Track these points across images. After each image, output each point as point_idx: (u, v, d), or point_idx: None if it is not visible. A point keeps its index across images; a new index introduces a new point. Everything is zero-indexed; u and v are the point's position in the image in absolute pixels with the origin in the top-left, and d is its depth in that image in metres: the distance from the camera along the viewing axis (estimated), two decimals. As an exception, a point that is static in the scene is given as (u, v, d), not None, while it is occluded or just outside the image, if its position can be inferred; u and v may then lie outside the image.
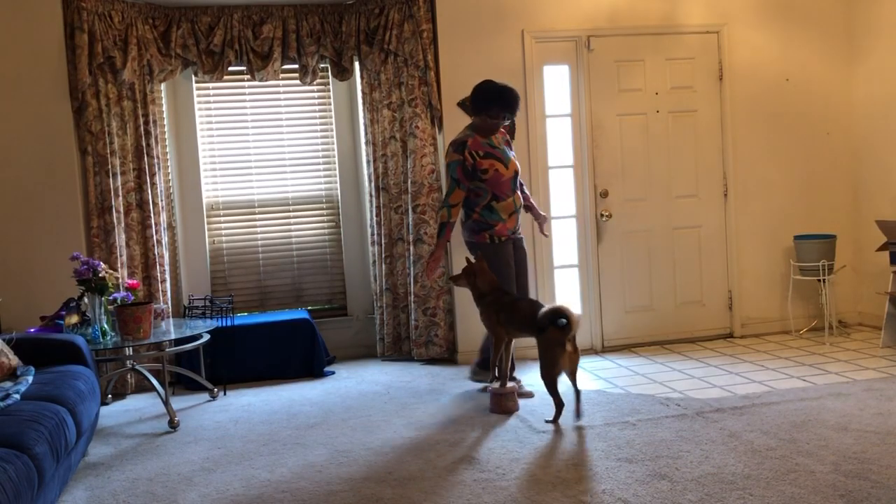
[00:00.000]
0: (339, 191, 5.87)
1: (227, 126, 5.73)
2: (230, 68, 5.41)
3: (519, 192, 4.54)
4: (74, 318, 4.45)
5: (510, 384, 4.28)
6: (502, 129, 4.53)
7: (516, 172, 4.47)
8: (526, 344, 5.41)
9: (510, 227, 4.46)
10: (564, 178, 5.55)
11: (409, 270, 5.49)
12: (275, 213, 5.82)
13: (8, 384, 3.35)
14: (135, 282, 4.76)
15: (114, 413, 4.67)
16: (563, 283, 5.54)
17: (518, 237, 4.57)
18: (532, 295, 4.90)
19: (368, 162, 5.60)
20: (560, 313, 3.81)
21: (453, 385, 4.82)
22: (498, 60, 5.36)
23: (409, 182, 5.41)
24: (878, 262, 5.64)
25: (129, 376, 5.07)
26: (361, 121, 5.64)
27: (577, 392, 3.97)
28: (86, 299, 4.46)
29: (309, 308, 5.86)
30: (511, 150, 4.55)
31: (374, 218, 5.60)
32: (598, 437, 3.70)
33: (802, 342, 5.50)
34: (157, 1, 5.18)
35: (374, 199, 5.59)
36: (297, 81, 5.59)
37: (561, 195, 5.54)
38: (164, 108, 5.49)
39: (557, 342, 3.83)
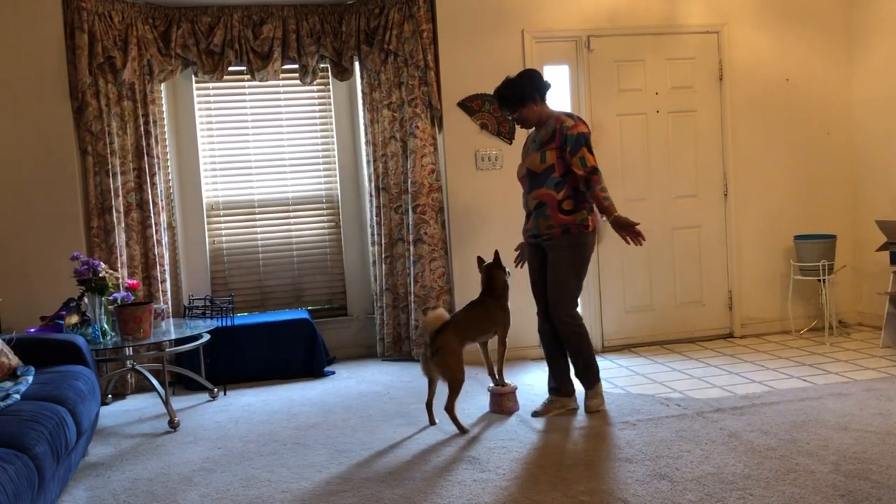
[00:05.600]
0: (339, 191, 5.87)
1: (227, 126, 5.73)
2: (230, 68, 5.41)
3: (537, 192, 4.05)
4: (74, 318, 4.45)
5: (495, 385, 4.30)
6: (559, 118, 4.04)
7: (529, 170, 4.09)
8: (524, 344, 5.42)
9: (528, 227, 4.18)
10: (564, 178, 5.55)
11: (409, 270, 5.49)
12: (275, 213, 5.82)
13: (8, 384, 3.35)
14: (135, 282, 4.76)
15: (114, 413, 4.67)
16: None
17: (542, 241, 4.11)
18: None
19: (368, 162, 5.60)
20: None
21: (453, 385, 4.82)
22: (498, 60, 5.36)
23: (409, 182, 5.42)
24: (878, 262, 5.64)
25: (129, 376, 5.07)
26: (361, 121, 5.64)
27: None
28: (86, 299, 4.46)
29: (309, 308, 5.86)
30: (547, 146, 4.01)
31: (374, 218, 5.60)
32: (598, 437, 3.70)
33: (802, 342, 5.50)
34: (157, 1, 5.18)
35: (374, 199, 5.59)
36: (297, 81, 5.59)
37: (561, 195, 5.54)
38: (164, 108, 5.49)
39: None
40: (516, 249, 4.41)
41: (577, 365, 4.16)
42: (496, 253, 4.31)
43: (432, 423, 4.06)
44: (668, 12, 5.57)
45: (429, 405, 4.09)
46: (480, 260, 4.37)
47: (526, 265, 4.34)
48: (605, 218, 3.92)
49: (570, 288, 4.05)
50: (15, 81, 4.87)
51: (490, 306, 4.21)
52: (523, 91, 4.05)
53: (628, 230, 3.82)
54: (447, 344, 3.93)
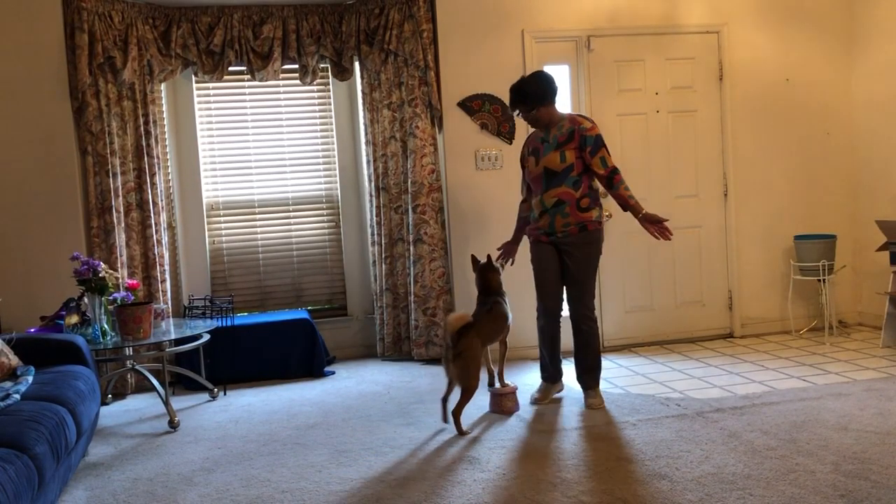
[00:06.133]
0: (339, 191, 5.87)
1: (227, 126, 5.73)
2: (230, 68, 5.41)
3: (555, 190, 4.12)
4: (74, 318, 4.45)
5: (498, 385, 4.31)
6: (575, 119, 4.16)
7: (548, 169, 4.13)
8: (524, 344, 5.42)
9: (540, 225, 4.22)
10: (564, 178, 5.55)
11: (409, 270, 5.49)
12: (275, 213, 5.82)
13: (8, 384, 3.35)
14: (135, 282, 4.76)
15: (114, 413, 4.67)
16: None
17: (557, 238, 4.19)
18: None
19: (368, 162, 5.60)
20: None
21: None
22: (498, 60, 5.36)
23: (409, 182, 5.42)
24: (878, 262, 5.64)
25: (129, 376, 5.07)
26: (361, 121, 5.65)
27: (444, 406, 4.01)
28: (86, 299, 4.46)
29: (309, 308, 5.86)
30: (566, 146, 4.11)
31: (374, 218, 5.60)
32: (598, 437, 3.70)
33: (802, 342, 5.50)
34: (157, 1, 5.18)
35: (374, 199, 5.59)
36: (297, 81, 5.59)
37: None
38: (164, 108, 5.49)
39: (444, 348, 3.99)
40: (499, 249, 4.49)
41: (588, 362, 4.25)
42: (489, 257, 4.36)
43: (445, 419, 3.97)
44: (668, 12, 5.57)
45: (444, 400, 4.01)
46: (475, 260, 4.39)
47: (510, 263, 4.51)
48: (606, 216, 3.96)
49: (591, 284, 4.23)
50: (15, 81, 4.87)
51: (503, 307, 4.24)
52: (545, 91, 4.15)
53: (658, 226, 3.99)
54: (472, 348, 3.89)
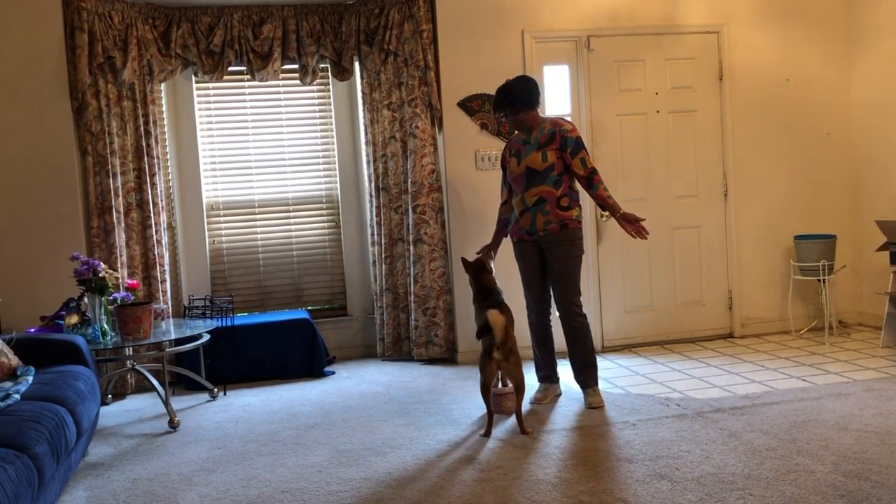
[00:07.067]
0: (339, 191, 5.87)
1: (227, 126, 5.73)
2: (230, 68, 5.41)
3: (536, 189, 4.18)
4: (74, 318, 4.45)
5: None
6: (556, 122, 4.24)
7: (529, 168, 4.19)
8: (523, 344, 5.42)
9: (521, 225, 4.28)
10: (564, 178, 5.55)
11: (409, 270, 5.49)
12: (275, 213, 5.82)
13: (8, 384, 3.35)
14: (135, 282, 4.76)
15: (114, 413, 4.67)
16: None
17: (539, 237, 4.25)
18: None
19: (368, 162, 5.60)
20: (487, 325, 3.80)
21: (453, 385, 4.82)
22: (498, 60, 5.36)
23: (409, 182, 5.42)
24: (878, 262, 5.64)
25: (129, 376, 5.07)
26: (361, 121, 5.65)
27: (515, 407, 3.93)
28: (86, 299, 4.46)
29: (309, 308, 5.86)
30: (547, 146, 4.18)
31: (374, 218, 5.60)
32: (598, 437, 3.70)
33: (802, 342, 5.50)
34: (157, 1, 5.18)
35: (374, 199, 5.59)
36: (297, 81, 5.59)
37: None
38: (164, 108, 5.49)
39: (485, 350, 3.87)
40: (478, 253, 4.49)
41: (582, 359, 4.28)
42: (480, 259, 4.38)
43: (489, 433, 3.86)
44: (668, 12, 5.57)
45: (491, 421, 3.89)
46: (465, 262, 4.39)
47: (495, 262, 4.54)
48: (605, 217, 3.97)
49: (576, 280, 4.27)
50: (15, 81, 4.87)
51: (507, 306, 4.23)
52: (531, 95, 4.24)
53: (635, 225, 4.08)
54: (515, 343, 3.89)
